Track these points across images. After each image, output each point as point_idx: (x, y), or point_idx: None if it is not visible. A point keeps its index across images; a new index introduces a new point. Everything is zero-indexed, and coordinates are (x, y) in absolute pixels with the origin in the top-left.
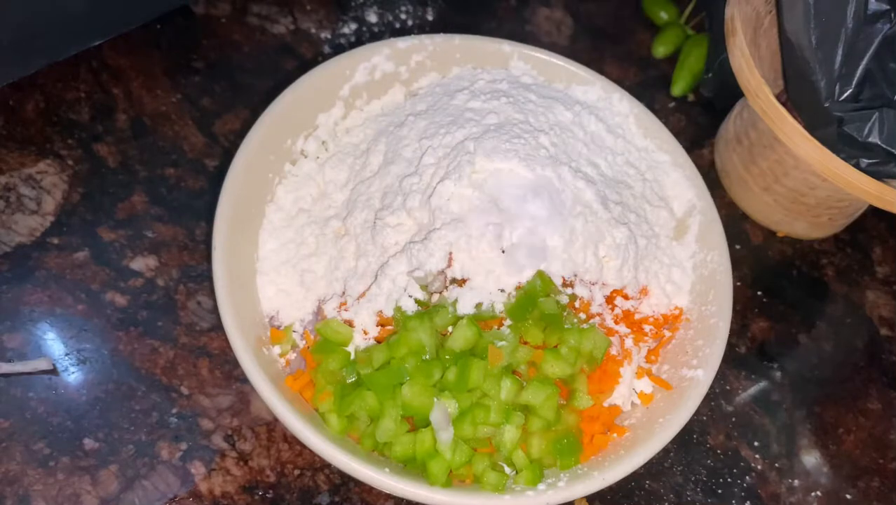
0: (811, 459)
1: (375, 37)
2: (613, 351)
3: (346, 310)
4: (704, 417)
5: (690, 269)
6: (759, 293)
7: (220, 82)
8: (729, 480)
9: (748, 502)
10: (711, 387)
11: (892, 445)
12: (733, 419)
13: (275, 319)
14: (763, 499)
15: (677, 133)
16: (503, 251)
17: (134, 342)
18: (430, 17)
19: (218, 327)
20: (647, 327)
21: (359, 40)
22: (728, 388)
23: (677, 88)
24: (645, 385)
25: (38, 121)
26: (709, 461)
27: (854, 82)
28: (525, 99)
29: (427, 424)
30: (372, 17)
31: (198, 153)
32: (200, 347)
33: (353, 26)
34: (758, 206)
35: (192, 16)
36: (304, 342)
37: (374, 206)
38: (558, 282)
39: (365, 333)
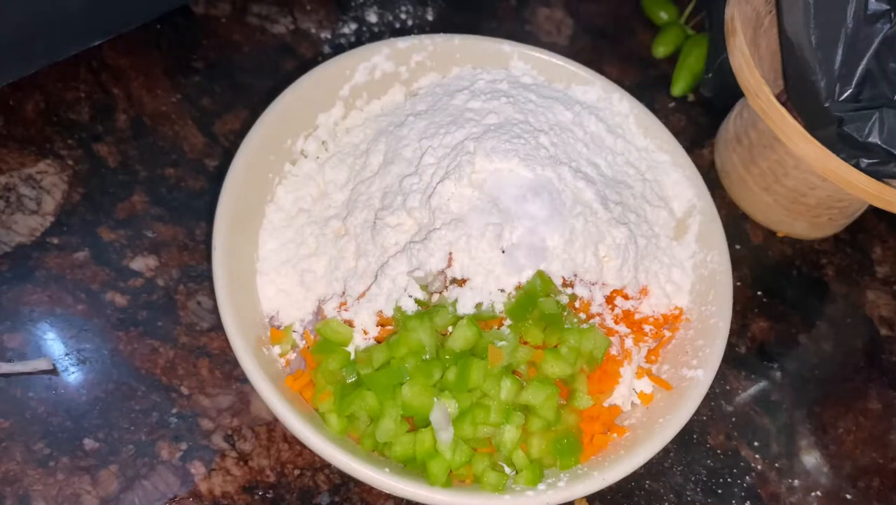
0: (811, 459)
1: (375, 37)
2: (613, 351)
3: (346, 310)
4: (704, 417)
5: (690, 269)
6: (759, 293)
7: (220, 82)
8: (729, 480)
9: (748, 502)
10: (711, 387)
11: (892, 444)
12: (733, 419)
13: (275, 319)
14: (763, 499)
15: (677, 133)
16: (503, 251)
17: (134, 342)
18: (430, 17)
19: (218, 327)
20: (647, 327)
21: (359, 40)
22: (728, 388)
23: (677, 88)
24: (645, 385)
25: (38, 121)
26: (709, 461)
27: (854, 82)
28: (525, 99)
29: (427, 424)
30: (372, 17)
31: (198, 153)
32: (200, 347)
33: (353, 26)
34: (758, 206)
35: (191, 16)
36: (303, 342)
37: (374, 206)
38: (558, 282)
39: (365, 333)
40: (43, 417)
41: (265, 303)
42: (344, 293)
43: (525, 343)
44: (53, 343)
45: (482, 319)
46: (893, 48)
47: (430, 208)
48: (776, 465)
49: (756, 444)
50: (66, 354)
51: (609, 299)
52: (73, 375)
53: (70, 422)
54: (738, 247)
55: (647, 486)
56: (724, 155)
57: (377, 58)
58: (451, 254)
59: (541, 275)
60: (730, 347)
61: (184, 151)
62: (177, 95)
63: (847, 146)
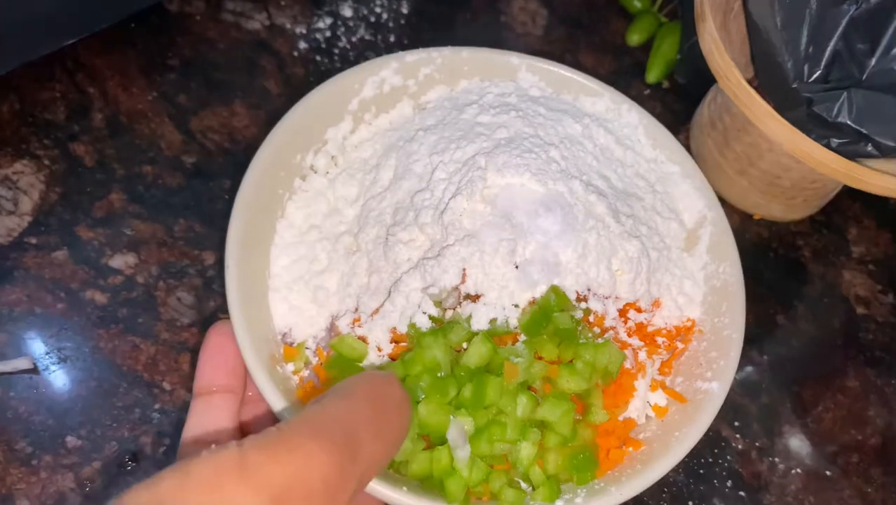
0: (791, 437)
1: (350, 31)
2: (627, 364)
3: (359, 326)
4: None
5: (702, 280)
6: None
7: (195, 79)
8: (710, 460)
9: (730, 482)
10: None
11: (870, 421)
12: None
13: (287, 336)
14: (745, 478)
15: None
16: (517, 266)
17: (115, 339)
18: (404, 10)
19: (198, 323)
20: (659, 339)
21: (334, 34)
22: None
23: (652, 76)
24: (659, 398)
25: (14, 121)
26: None
27: (822, 63)
28: (534, 112)
29: (443, 441)
30: (347, 12)
31: (175, 150)
32: (181, 342)
33: (329, 21)
34: (734, 190)
35: (166, 14)
36: (316, 359)
37: (385, 222)
38: (572, 296)
39: (379, 349)
40: (24, 416)
41: (278, 320)
42: (357, 309)
43: (540, 358)
44: (34, 342)
45: (497, 335)
46: (860, 29)
47: (443, 224)
48: (757, 444)
49: (737, 424)
50: (47, 353)
51: (622, 312)
52: (54, 374)
53: (52, 420)
54: None
55: None
56: (700, 140)
57: (385, 71)
58: (464, 270)
59: (555, 290)
60: None
61: (161, 149)
62: (152, 93)
63: (817, 127)
